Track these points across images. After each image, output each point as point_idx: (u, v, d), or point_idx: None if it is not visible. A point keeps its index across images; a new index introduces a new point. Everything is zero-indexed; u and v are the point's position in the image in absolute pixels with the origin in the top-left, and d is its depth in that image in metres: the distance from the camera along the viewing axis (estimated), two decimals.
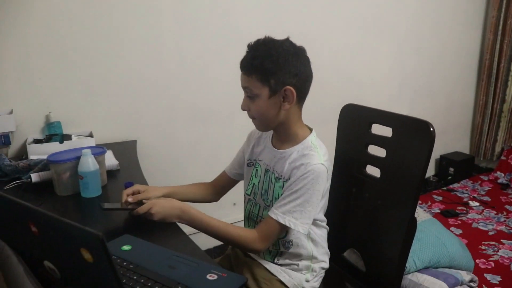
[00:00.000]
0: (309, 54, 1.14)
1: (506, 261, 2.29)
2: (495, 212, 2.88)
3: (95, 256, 0.61)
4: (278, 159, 1.19)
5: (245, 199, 1.32)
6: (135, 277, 0.87)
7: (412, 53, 3.13)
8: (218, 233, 1.11)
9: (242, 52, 1.14)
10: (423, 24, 3.13)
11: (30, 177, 1.37)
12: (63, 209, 1.27)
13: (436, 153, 3.59)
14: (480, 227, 2.68)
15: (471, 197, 3.15)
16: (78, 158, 1.30)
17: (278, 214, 1.10)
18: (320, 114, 2.22)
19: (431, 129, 1.12)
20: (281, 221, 1.09)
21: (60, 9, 1.78)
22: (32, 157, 1.58)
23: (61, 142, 1.69)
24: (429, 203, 3.05)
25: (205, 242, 1.26)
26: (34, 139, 1.76)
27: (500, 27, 3.36)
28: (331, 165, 1.20)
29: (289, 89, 1.09)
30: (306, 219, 1.10)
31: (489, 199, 3.10)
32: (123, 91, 2.01)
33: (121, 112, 2.02)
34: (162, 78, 2.10)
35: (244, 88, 1.14)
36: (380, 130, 1.32)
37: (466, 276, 1.81)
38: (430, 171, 3.62)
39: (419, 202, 2.96)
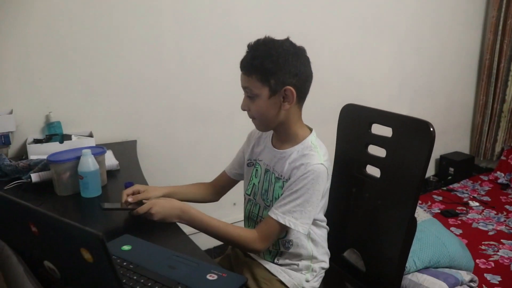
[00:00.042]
0: (309, 54, 1.14)
1: (506, 261, 2.29)
2: (495, 212, 2.88)
3: (95, 256, 0.61)
4: (278, 159, 1.19)
5: (245, 199, 1.32)
6: (135, 277, 0.87)
7: (412, 53, 3.13)
8: (218, 233, 1.11)
9: (242, 52, 1.14)
10: (423, 24, 3.13)
11: (30, 177, 1.37)
12: (63, 209, 1.27)
13: (436, 153, 3.59)
14: (480, 227, 2.68)
15: (471, 197, 3.15)
16: (78, 158, 1.30)
17: (278, 214, 1.10)
18: (320, 114, 2.22)
19: (431, 129, 1.12)
20: (281, 221, 1.09)
21: (60, 9, 1.78)
22: (32, 157, 1.58)
23: (61, 142, 1.69)
24: (429, 203, 3.05)
25: (205, 242, 1.26)
26: (34, 139, 1.76)
27: (500, 27, 3.37)
28: (331, 165, 1.20)
29: (289, 89, 1.09)
30: (306, 219, 1.10)
31: (489, 199, 3.10)
32: (123, 91, 2.01)
33: (121, 112, 2.02)
34: (162, 78, 2.10)
35: (244, 88, 1.14)
36: (380, 130, 1.32)
37: (466, 276, 1.81)
38: (430, 171, 3.62)
39: (419, 202, 2.96)
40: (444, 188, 3.31)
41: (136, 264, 0.92)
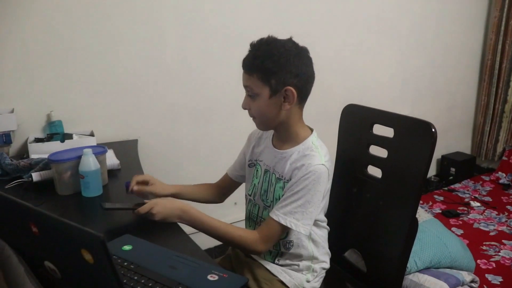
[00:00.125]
0: (311, 54, 1.14)
1: (507, 261, 2.28)
2: (497, 213, 2.88)
3: (96, 257, 0.61)
4: (278, 160, 1.19)
5: (246, 200, 1.32)
6: (135, 278, 0.87)
7: (414, 53, 3.12)
8: (219, 234, 1.11)
9: (244, 51, 1.13)
10: (425, 24, 3.12)
11: (31, 176, 1.37)
12: (64, 209, 1.27)
13: (437, 153, 3.58)
14: (481, 228, 2.67)
15: (473, 197, 3.14)
16: (79, 157, 1.30)
17: (279, 215, 1.09)
18: (321, 114, 2.22)
19: (433, 130, 1.12)
20: (282, 222, 1.09)
21: (61, 8, 1.78)
22: (33, 156, 1.57)
23: (62, 141, 1.69)
24: (430, 203, 3.04)
25: (205, 241, 1.26)
26: (35, 138, 1.76)
27: (502, 28, 3.35)
28: (332, 166, 1.20)
29: (289, 90, 1.09)
30: (307, 220, 1.10)
31: (491, 200, 3.10)
32: (124, 90, 2.00)
33: (122, 111, 2.02)
34: (163, 77, 2.10)
35: (245, 87, 1.14)
36: (381, 130, 1.32)
37: (467, 276, 1.81)
38: (432, 171, 3.61)
39: (420, 202, 2.96)
40: (445, 188, 3.31)
41: (136, 264, 0.92)
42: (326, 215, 1.26)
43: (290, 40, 1.12)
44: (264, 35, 1.13)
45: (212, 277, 0.89)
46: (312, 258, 1.22)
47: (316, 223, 1.20)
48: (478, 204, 3.00)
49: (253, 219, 1.28)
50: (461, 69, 3.52)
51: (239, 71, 1.14)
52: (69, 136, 1.75)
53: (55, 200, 1.31)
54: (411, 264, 1.72)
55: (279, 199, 1.14)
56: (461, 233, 2.59)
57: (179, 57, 2.12)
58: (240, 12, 2.24)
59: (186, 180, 1.44)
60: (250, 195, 1.28)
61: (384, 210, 1.27)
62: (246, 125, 1.30)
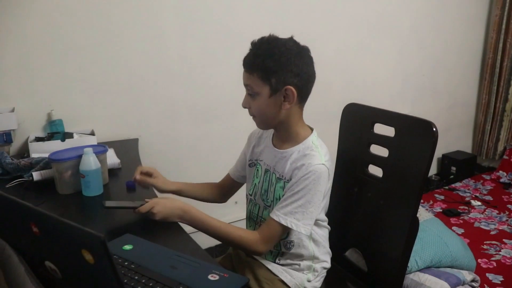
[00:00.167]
0: (311, 53, 1.14)
1: (508, 260, 2.28)
2: (497, 212, 2.87)
3: (96, 257, 0.61)
4: (279, 159, 1.19)
5: (247, 199, 1.32)
6: (136, 277, 0.87)
7: (414, 52, 3.12)
8: (219, 234, 1.10)
9: (244, 50, 1.13)
10: (426, 23, 3.11)
11: (31, 175, 1.37)
12: (65, 208, 1.27)
13: (438, 152, 3.58)
14: (482, 227, 2.67)
15: (473, 196, 3.14)
16: (80, 156, 1.30)
17: (279, 215, 1.09)
18: (322, 113, 2.21)
19: (434, 129, 1.12)
20: (283, 222, 1.08)
21: (61, 7, 1.77)
22: (34, 155, 1.57)
23: (63, 140, 1.68)
24: (431, 202, 3.04)
25: (206, 241, 1.26)
26: (36, 137, 1.76)
27: (503, 26, 3.35)
28: (332, 165, 1.20)
29: (290, 89, 1.09)
30: (308, 220, 1.10)
31: (491, 199, 3.09)
32: (125, 89, 2.00)
33: (123, 110, 2.02)
34: (164, 76, 2.09)
35: (246, 85, 1.13)
36: (382, 129, 1.31)
37: (468, 275, 1.81)
38: (432, 170, 3.61)
39: (421, 201, 2.95)
40: (446, 187, 3.30)
41: (137, 264, 0.92)
42: (327, 215, 1.26)
43: (291, 39, 1.12)
44: (265, 34, 1.12)
45: (213, 277, 0.89)
46: (313, 258, 1.22)
47: (316, 223, 1.20)
48: (479, 203, 3.00)
49: (253, 219, 1.27)
50: (462, 68, 3.52)
51: (240, 70, 1.13)
52: (69, 135, 1.75)
53: (56, 199, 1.31)
54: (411, 263, 1.71)
55: (280, 199, 1.14)
56: (462, 232, 2.59)
57: (180, 56, 2.12)
58: (240, 11, 2.24)
59: (187, 178, 1.43)
60: (250, 195, 1.28)
61: (385, 209, 1.27)
62: (247, 124, 1.30)
